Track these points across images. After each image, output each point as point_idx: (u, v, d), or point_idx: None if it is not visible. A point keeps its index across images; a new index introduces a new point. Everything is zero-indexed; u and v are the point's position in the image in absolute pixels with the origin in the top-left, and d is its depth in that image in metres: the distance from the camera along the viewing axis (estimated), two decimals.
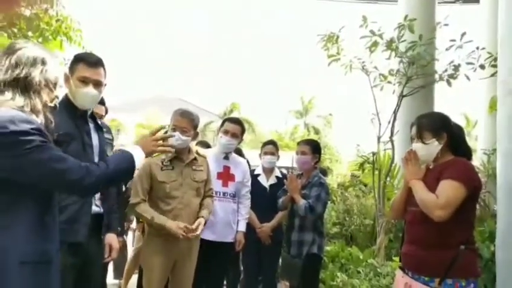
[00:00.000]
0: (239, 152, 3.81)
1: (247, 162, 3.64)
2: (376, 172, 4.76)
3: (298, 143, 3.52)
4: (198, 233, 2.74)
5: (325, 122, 30.83)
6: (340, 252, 4.52)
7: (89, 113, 2.20)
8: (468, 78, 4.41)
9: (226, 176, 3.27)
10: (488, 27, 6.69)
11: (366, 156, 4.93)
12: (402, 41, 4.53)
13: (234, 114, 23.87)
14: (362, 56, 4.65)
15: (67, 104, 2.07)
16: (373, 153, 4.81)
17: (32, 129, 1.34)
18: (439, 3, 6.24)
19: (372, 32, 4.51)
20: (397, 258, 3.45)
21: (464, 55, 4.35)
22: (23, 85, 1.42)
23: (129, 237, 5.51)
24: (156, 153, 1.91)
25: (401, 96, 4.69)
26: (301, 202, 3.11)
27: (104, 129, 2.34)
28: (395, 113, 4.71)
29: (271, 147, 3.76)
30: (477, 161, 5.57)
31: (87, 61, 2.09)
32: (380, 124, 4.71)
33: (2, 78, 1.41)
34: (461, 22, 5.45)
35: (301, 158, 3.32)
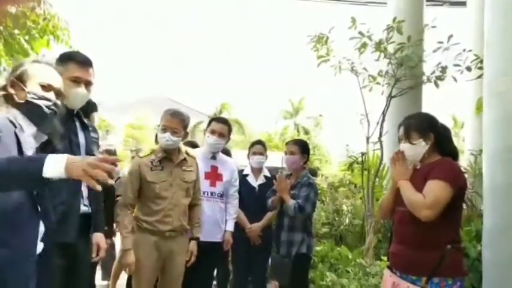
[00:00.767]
0: (227, 152, 3.81)
1: None
2: (365, 172, 4.79)
3: (287, 143, 3.54)
4: None
5: (314, 122, 30.96)
6: (330, 252, 4.54)
7: (75, 111, 2.19)
8: (455, 79, 4.47)
9: (214, 175, 3.27)
10: (475, 29, 6.79)
11: (355, 157, 4.97)
12: (391, 43, 4.57)
13: (224, 115, 23.83)
14: (351, 57, 4.68)
15: None
16: (362, 154, 4.85)
17: None
18: (427, 5, 6.31)
19: (361, 33, 4.54)
20: (385, 258, 3.48)
21: (451, 57, 4.40)
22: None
23: (117, 237, 5.46)
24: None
25: (390, 97, 4.73)
26: (291, 202, 3.12)
27: (90, 128, 2.33)
28: (384, 113, 4.75)
29: (259, 147, 3.77)
30: (464, 161, 5.65)
31: (78, 61, 2.09)
32: (369, 125, 4.75)
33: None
34: (449, 24, 5.52)
35: (290, 158, 3.34)
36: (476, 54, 4.31)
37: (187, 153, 2.94)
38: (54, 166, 1.31)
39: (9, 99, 1.54)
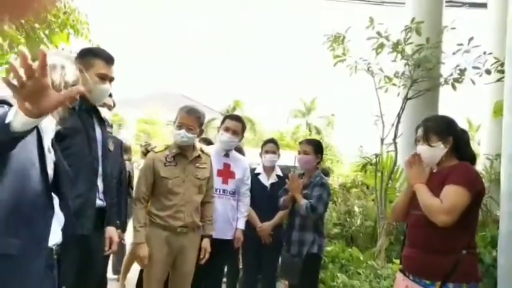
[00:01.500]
0: (240, 150, 3.81)
1: None
2: (379, 174, 4.75)
3: (301, 143, 3.51)
4: None
5: (326, 122, 30.84)
6: (341, 253, 4.52)
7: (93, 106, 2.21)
8: (474, 82, 4.40)
9: (226, 173, 3.27)
10: (495, 32, 6.67)
11: (368, 158, 4.92)
12: (409, 44, 4.52)
13: (237, 112, 23.87)
14: (367, 58, 4.64)
15: None
16: (376, 155, 4.80)
17: None
18: (446, 6, 6.21)
19: (378, 33, 4.50)
20: (397, 261, 3.45)
21: (470, 59, 4.33)
22: None
23: (128, 232, 5.50)
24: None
25: (406, 98, 4.67)
26: (303, 201, 3.11)
27: (105, 123, 2.36)
28: (399, 115, 4.69)
29: (272, 145, 3.75)
30: (480, 165, 5.56)
31: (105, 58, 2.14)
32: (384, 126, 4.70)
33: None
34: (467, 26, 5.42)
35: (303, 158, 3.32)
36: (496, 57, 4.24)
37: (201, 150, 2.95)
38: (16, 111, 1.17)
39: None
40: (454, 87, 4.49)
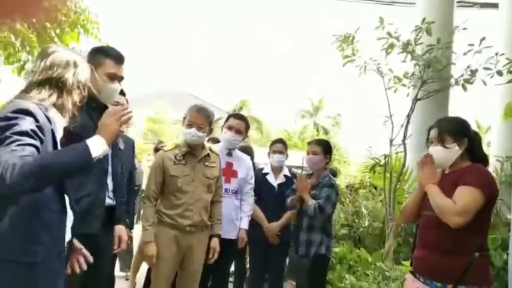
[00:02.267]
0: (249, 151, 3.79)
1: (252, 160, 3.60)
2: (387, 175, 4.72)
3: (309, 143, 3.49)
4: None
5: (333, 122, 30.75)
6: (348, 254, 4.49)
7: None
8: (485, 83, 4.35)
9: (229, 172, 3.25)
10: (506, 32, 6.59)
11: (377, 159, 4.89)
12: (419, 44, 4.48)
13: (244, 112, 23.86)
14: (377, 58, 4.61)
15: None
16: (385, 156, 4.77)
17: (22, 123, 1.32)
18: (457, 7, 6.16)
19: (388, 33, 4.47)
20: (406, 263, 3.42)
21: (482, 60, 4.28)
22: (55, 85, 1.50)
23: (137, 229, 5.52)
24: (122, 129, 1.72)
25: (416, 99, 4.64)
26: (311, 202, 3.09)
27: None
28: (408, 116, 4.66)
29: (280, 145, 3.74)
30: (490, 167, 5.50)
31: (115, 57, 2.12)
32: (393, 127, 4.67)
33: (36, 79, 1.49)
34: (478, 26, 5.37)
35: (312, 158, 3.30)
36: (508, 58, 4.19)
37: (210, 149, 2.95)
38: (96, 143, 1.45)
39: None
40: (464, 88, 4.44)
